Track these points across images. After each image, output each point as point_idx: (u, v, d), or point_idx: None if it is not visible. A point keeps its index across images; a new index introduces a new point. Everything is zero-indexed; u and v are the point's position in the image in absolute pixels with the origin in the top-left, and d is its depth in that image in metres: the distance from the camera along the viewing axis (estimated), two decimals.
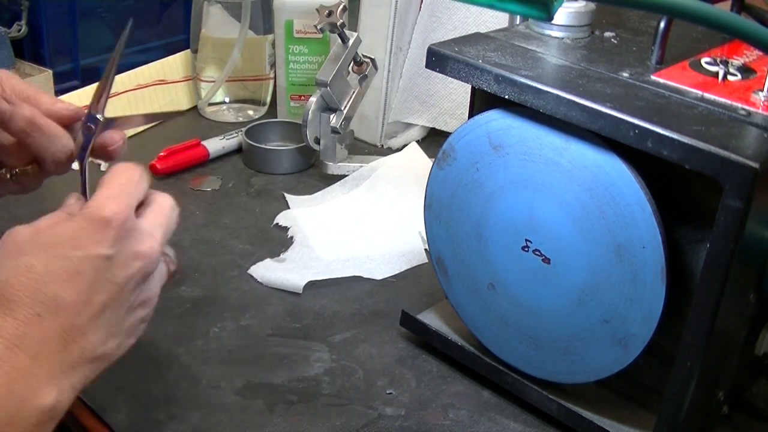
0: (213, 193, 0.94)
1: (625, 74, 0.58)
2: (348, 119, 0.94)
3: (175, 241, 0.79)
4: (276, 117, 1.10)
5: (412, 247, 0.84)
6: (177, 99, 1.12)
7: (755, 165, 0.47)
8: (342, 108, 0.92)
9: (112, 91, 0.82)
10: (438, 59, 0.61)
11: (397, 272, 0.81)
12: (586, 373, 0.60)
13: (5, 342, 0.46)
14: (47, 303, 0.48)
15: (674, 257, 0.56)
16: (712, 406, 0.61)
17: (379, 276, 0.80)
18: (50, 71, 1.07)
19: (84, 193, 0.58)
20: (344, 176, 0.96)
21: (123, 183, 0.53)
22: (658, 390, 0.61)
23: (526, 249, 0.60)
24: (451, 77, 0.61)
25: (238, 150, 1.02)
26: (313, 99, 0.92)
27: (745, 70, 0.59)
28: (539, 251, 0.60)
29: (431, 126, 1.06)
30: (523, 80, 0.56)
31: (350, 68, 0.94)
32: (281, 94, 1.09)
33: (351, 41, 0.91)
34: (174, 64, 1.11)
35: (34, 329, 0.47)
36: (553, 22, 0.64)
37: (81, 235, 0.50)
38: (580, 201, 0.56)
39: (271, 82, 1.11)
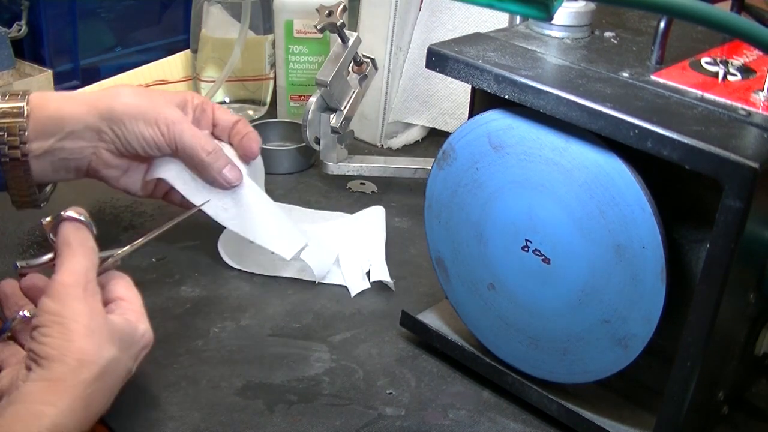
0: None
1: (625, 74, 0.58)
2: (348, 119, 0.94)
3: (176, 241, 0.79)
4: (276, 117, 1.10)
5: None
6: None
7: (755, 165, 0.47)
8: (342, 108, 0.92)
9: None
10: (438, 59, 0.61)
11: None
12: (586, 373, 0.61)
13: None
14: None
15: (674, 257, 0.56)
16: (712, 406, 0.61)
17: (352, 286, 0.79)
18: (50, 71, 1.07)
19: None
20: (344, 176, 0.96)
21: (141, 303, 0.61)
22: (658, 390, 0.61)
23: (526, 249, 0.60)
24: (451, 77, 0.61)
25: None
26: (313, 99, 0.92)
27: (745, 70, 0.59)
28: (539, 251, 0.60)
29: (431, 126, 1.06)
30: (523, 80, 0.56)
31: (350, 68, 0.94)
32: (281, 94, 1.09)
33: (351, 41, 0.91)
34: (174, 64, 1.11)
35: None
36: (553, 22, 0.64)
37: (128, 338, 0.57)
38: (580, 201, 0.56)
39: (271, 82, 1.11)
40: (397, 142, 1.06)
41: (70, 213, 0.59)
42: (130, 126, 0.70)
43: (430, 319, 0.71)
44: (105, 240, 0.62)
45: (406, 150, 1.06)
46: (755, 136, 0.51)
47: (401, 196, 0.95)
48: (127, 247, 0.64)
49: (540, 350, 0.62)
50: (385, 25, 1.00)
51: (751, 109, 0.54)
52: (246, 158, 0.79)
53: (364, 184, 0.97)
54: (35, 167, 0.70)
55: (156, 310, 0.74)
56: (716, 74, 0.58)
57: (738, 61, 0.60)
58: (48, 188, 0.76)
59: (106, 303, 0.59)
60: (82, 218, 0.59)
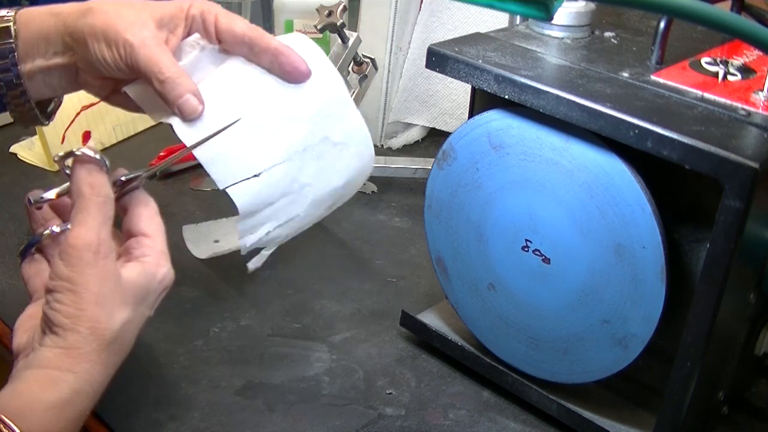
0: (213, 193, 0.94)
1: (625, 74, 0.58)
2: None
3: (176, 241, 0.79)
4: None
5: None
6: None
7: (755, 165, 0.47)
8: None
9: None
10: (438, 59, 0.61)
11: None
12: (586, 373, 0.61)
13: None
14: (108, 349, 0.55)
15: (674, 257, 0.56)
16: (712, 406, 0.61)
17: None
18: None
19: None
20: None
21: (164, 237, 0.61)
22: (658, 390, 0.61)
23: (526, 249, 0.60)
24: (451, 77, 0.61)
25: None
26: None
27: (745, 70, 0.59)
28: (539, 251, 0.60)
29: (431, 126, 1.06)
30: (523, 80, 0.56)
31: (350, 68, 0.94)
32: None
33: (351, 41, 0.91)
34: None
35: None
36: (553, 22, 0.64)
37: (142, 292, 0.58)
38: (580, 201, 0.56)
39: None
40: (397, 142, 1.06)
41: (84, 151, 0.56)
42: (92, 47, 0.64)
43: (430, 319, 0.71)
44: None
45: (406, 150, 1.06)
46: (755, 136, 0.51)
47: (401, 196, 0.95)
48: (152, 169, 0.63)
49: (540, 350, 0.62)
50: (385, 25, 1.00)
51: (751, 109, 0.54)
52: (292, 81, 0.68)
53: (364, 184, 0.97)
54: (30, 87, 0.67)
55: (156, 310, 0.74)
56: (716, 74, 0.58)
57: (738, 61, 0.60)
58: (53, 103, 0.73)
59: (128, 236, 0.59)
60: (97, 156, 0.56)
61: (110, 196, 0.56)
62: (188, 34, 0.68)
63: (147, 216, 0.60)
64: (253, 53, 0.67)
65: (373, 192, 0.96)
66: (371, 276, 0.81)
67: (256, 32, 0.67)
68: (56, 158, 0.58)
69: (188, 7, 0.67)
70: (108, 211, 0.56)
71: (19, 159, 0.98)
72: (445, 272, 0.67)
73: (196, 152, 0.64)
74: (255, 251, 0.69)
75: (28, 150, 0.98)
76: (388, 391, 0.67)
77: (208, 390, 0.66)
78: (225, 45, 0.68)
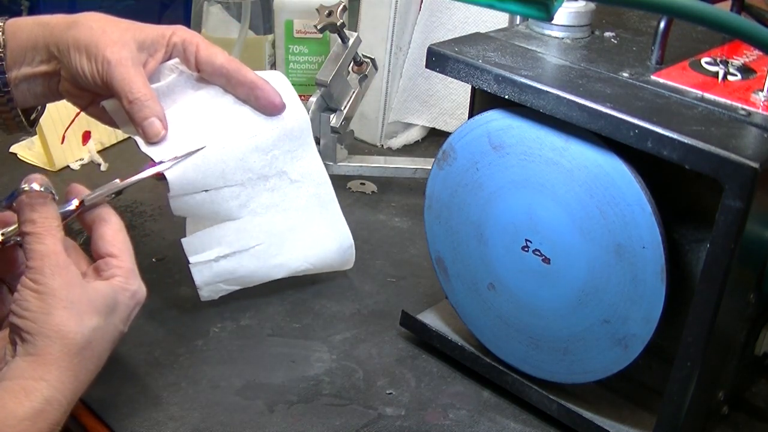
0: None
1: (625, 74, 0.58)
2: (348, 119, 0.93)
3: (176, 241, 0.79)
4: None
5: None
6: None
7: (755, 165, 0.47)
8: (342, 108, 0.92)
9: None
10: (438, 59, 0.61)
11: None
12: (586, 373, 0.61)
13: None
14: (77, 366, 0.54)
15: (674, 257, 0.56)
16: (712, 406, 0.61)
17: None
18: None
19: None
20: (344, 176, 0.96)
21: (131, 254, 0.60)
22: (658, 390, 0.62)
23: (526, 249, 0.60)
24: (451, 77, 0.61)
25: None
26: (313, 99, 0.92)
27: (745, 70, 0.59)
28: (539, 251, 0.60)
29: (431, 126, 1.06)
30: (523, 80, 0.56)
31: (350, 68, 0.94)
32: None
33: (351, 41, 0.91)
34: None
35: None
36: (553, 22, 0.64)
37: (111, 302, 0.57)
38: (580, 201, 0.56)
39: None
40: (397, 142, 1.06)
41: (32, 186, 0.57)
42: (74, 59, 0.66)
43: (430, 319, 0.71)
44: None
45: (406, 150, 1.06)
46: (755, 136, 0.51)
47: (401, 196, 0.95)
48: (116, 187, 0.63)
49: (540, 350, 0.62)
50: (385, 25, 1.00)
51: (751, 109, 0.54)
52: (266, 113, 0.71)
53: (364, 184, 0.97)
54: (16, 94, 0.68)
55: (156, 310, 0.74)
56: (716, 74, 0.58)
57: (738, 61, 0.60)
58: (36, 111, 0.74)
59: (96, 257, 0.59)
60: (42, 189, 0.57)
61: (59, 226, 0.57)
62: (168, 59, 0.70)
63: (110, 235, 0.60)
64: (230, 85, 0.70)
65: (373, 192, 0.96)
66: (371, 276, 0.81)
67: (234, 65, 0.70)
68: (4, 202, 0.58)
69: (171, 34, 0.69)
70: (58, 235, 0.57)
71: (19, 159, 0.98)
72: (445, 272, 0.67)
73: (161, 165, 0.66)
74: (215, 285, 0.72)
75: (28, 150, 0.99)
76: (388, 391, 0.67)
77: (208, 390, 0.66)
78: (204, 74, 0.70)
